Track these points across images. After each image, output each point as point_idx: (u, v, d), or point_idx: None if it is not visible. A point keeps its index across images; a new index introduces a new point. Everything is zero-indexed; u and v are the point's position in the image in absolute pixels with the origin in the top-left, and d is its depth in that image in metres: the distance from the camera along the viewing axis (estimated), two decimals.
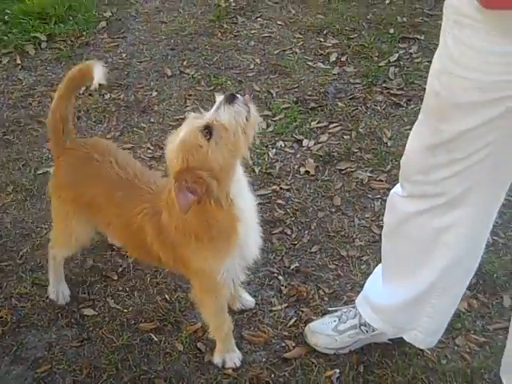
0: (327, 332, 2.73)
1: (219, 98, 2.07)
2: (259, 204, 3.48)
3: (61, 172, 2.66)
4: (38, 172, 3.72)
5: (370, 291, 2.66)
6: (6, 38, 4.88)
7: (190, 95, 4.40)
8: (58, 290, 2.94)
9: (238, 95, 2.05)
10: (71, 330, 2.83)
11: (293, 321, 2.88)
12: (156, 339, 2.78)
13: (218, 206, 2.11)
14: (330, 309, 2.89)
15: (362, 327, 2.68)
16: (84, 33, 5.06)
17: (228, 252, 2.28)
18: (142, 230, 2.41)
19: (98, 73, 2.51)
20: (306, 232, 3.36)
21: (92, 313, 2.90)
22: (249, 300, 2.94)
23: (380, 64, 4.69)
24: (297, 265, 3.16)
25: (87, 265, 3.14)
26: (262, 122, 2.15)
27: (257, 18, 5.30)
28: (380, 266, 2.68)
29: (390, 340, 2.73)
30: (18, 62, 4.71)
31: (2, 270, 3.14)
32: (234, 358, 2.67)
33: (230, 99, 2.03)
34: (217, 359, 2.67)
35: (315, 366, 2.66)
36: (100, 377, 2.63)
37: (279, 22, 5.23)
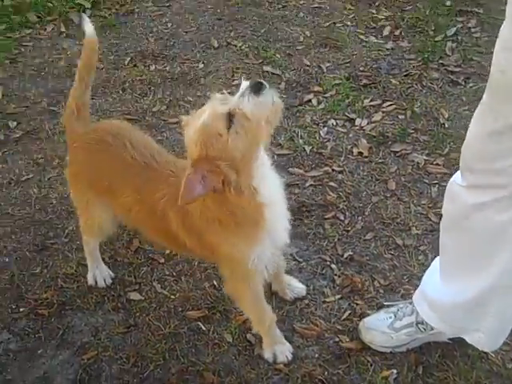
0: (383, 329, 2.59)
1: (245, 83, 1.94)
2: (311, 186, 3.39)
3: (76, 159, 2.56)
4: None
5: (427, 287, 2.51)
6: (50, 4, 4.77)
7: (238, 68, 4.25)
8: (96, 275, 2.87)
9: (264, 83, 1.91)
10: (117, 315, 2.74)
11: (347, 314, 2.75)
12: (204, 328, 2.68)
13: (240, 194, 2.00)
14: (385, 303, 2.75)
15: (420, 325, 2.54)
16: (129, 0, 4.91)
17: (256, 238, 2.17)
18: (165, 216, 2.28)
19: (88, 26, 2.46)
20: (360, 218, 3.21)
21: (138, 297, 2.82)
22: (299, 287, 2.82)
23: (436, 39, 4.48)
24: (350, 253, 3.02)
25: (133, 246, 3.05)
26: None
27: None
28: (438, 259, 2.52)
29: (450, 339, 2.58)
30: (63, 29, 4.61)
31: (48, 248, 3.07)
32: (284, 351, 2.56)
33: (256, 88, 1.89)
34: (267, 354, 2.54)
35: (370, 365, 2.53)
36: (147, 366, 2.54)
37: None
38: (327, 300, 2.80)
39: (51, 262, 2.99)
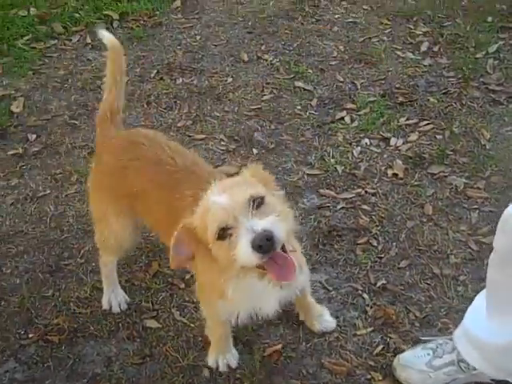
0: (420, 367, 2.38)
1: (262, 222, 1.73)
2: (342, 208, 3.19)
3: (102, 162, 2.45)
4: None
5: (470, 325, 2.29)
6: (77, 15, 4.64)
7: (268, 83, 4.07)
8: (112, 299, 2.71)
9: (273, 243, 1.72)
10: (133, 344, 2.57)
11: (379, 348, 2.54)
12: None
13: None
14: (422, 338, 2.54)
15: (462, 364, 2.33)
16: (157, 12, 4.78)
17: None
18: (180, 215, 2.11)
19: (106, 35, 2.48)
20: (394, 244, 3.00)
21: (156, 325, 2.64)
22: (329, 321, 2.62)
23: (477, 56, 4.24)
24: (384, 282, 2.81)
25: (152, 270, 2.87)
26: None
27: (341, 1, 4.90)
28: (481, 295, 2.32)
29: (493, 380, 2.35)
30: (89, 41, 4.47)
31: (62, 270, 2.91)
32: (229, 359, 2.46)
33: (260, 243, 1.70)
34: (210, 360, 2.46)
35: None
36: None
37: (365, 7, 4.82)
38: (358, 333, 2.60)
39: (64, 285, 2.83)
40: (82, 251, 2.99)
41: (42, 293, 2.79)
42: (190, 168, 2.25)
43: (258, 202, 1.75)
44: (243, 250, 1.71)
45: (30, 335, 2.60)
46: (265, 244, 1.69)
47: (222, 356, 2.44)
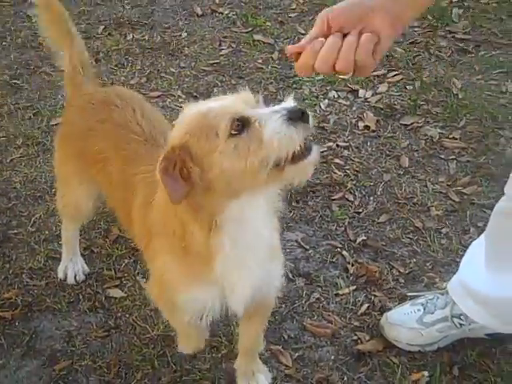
0: (410, 324, 2.21)
1: (289, 103, 1.41)
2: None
3: (71, 119, 2.23)
4: (52, 123, 3.21)
5: (468, 278, 2.12)
6: None
7: (226, 37, 3.84)
8: (68, 268, 2.47)
9: (308, 117, 1.39)
10: (95, 316, 2.33)
11: (364, 308, 2.37)
12: None
13: (194, 219, 1.51)
14: (409, 294, 2.37)
15: (455, 319, 2.17)
16: None
17: (196, 280, 1.66)
18: (133, 193, 1.86)
19: None
20: (371, 198, 2.83)
21: (120, 294, 2.40)
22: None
23: (442, 4, 4.08)
24: (363, 238, 2.64)
25: (112, 235, 2.62)
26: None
27: None
28: (475, 245, 2.18)
29: (488, 335, 2.20)
30: None
31: (11, 240, 2.64)
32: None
33: (296, 115, 1.36)
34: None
35: (397, 367, 2.16)
36: (132, 376, 2.13)
37: None
38: (340, 292, 2.43)
39: (15, 256, 2.57)
40: (33, 219, 2.72)
41: None
42: (157, 140, 1.95)
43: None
44: (278, 130, 1.34)
45: None
46: (304, 112, 1.36)
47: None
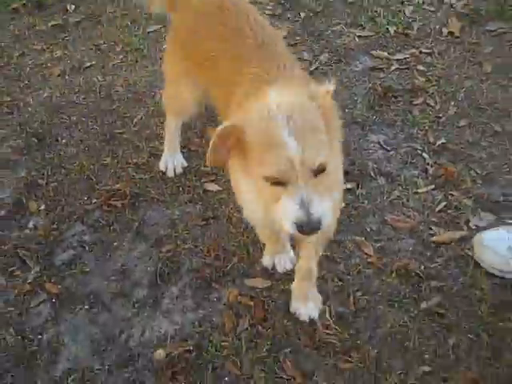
0: (500, 250, 2.23)
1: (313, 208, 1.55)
2: (397, 70, 3.09)
3: (184, 23, 2.30)
4: (149, 30, 3.38)
5: None
6: None
7: None
8: (168, 161, 2.70)
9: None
10: (195, 207, 2.57)
11: (441, 205, 2.51)
12: None
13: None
14: (509, 221, 2.42)
15: None
16: None
17: None
18: (236, 89, 1.95)
19: None
20: (452, 103, 2.92)
21: (216, 188, 2.63)
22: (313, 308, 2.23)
23: None
24: (443, 141, 2.75)
25: (208, 135, 2.82)
26: None
27: None
28: None
29: None
30: None
31: (116, 138, 2.89)
32: (285, 260, 2.33)
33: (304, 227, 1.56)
34: (266, 260, 2.35)
35: (471, 259, 2.30)
36: (229, 260, 2.37)
37: None
38: (419, 191, 2.57)
39: (121, 152, 2.82)
40: (135, 120, 2.95)
41: (100, 160, 2.78)
42: (268, 47, 2.02)
43: (320, 171, 1.56)
44: (285, 219, 1.58)
45: (94, 200, 2.61)
46: (309, 232, 1.57)
47: (278, 256, 2.34)
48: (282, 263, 2.33)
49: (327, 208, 1.59)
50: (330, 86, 1.64)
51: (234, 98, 1.92)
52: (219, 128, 1.62)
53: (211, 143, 1.63)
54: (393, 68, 3.10)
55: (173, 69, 2.42)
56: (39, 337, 2.17)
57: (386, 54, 3.18)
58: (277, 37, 2.16)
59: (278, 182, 1.57)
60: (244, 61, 1.99)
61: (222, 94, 2.10)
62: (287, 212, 1.57)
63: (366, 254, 2.36)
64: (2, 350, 2.15)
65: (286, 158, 1.52)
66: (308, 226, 1.55)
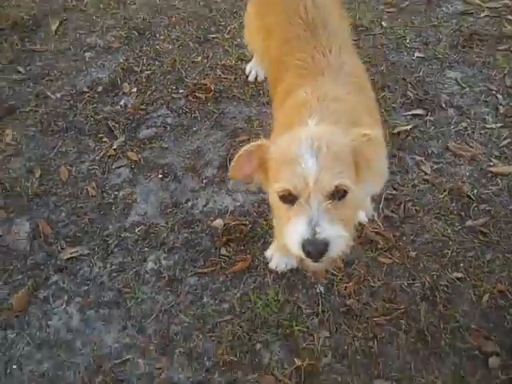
0: None
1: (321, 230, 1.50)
2: (487, 16, 3.15)
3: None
4: None
5: None
6: None
7: None
8: (253, 67, 2.88)
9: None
10: (271, 108, 2.75)
11: (506, 141, 2.60)
12: None
13: None
14: None
15: None
16: None
17: None
18: (283, 73, 2.00)
19: None
20: None
21: None
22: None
23: None
24: None
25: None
26: None
27: None
28: None
29: None
30: None
31: (209, 42, 3.11)
32: (281, 261, 2.25)
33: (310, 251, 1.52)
34: (268, 252, 2.28)
35: None
36: None
37: None
38: (487, 126, 2.67)
39: (211, 54, 3.04)
40: (229, 28, 3.16)
41: (191, 58, 3.01)
42: (316, 29, 2.00)
43: (339, 196, 1.54)
44: (292, 241, 1.54)
45: (181, 91, 2.85)
46: (315, 255, 1.53)
47: (278, 255, 2.26)
48: (282, 264, 2.25)
49: (338, 234, 1.53)
50: (368, 131, 1.59)
51: (281, 86, 1.97)
52: (247, 145, 1.63)
53: (236, 157, 1.62)
54: (483, 15, 3.17)
55: (249, 21, 2.47)
56: (116, 193, 2.45)
57: (478, 1, 3.24)
58: (332, 17, 2.10)
59: (291, 201, 1.55)
60: (290, 41, 2.01)
61: (272, 71, 2.16)
62: (294, 230, 1.53)
63: (423, 171, 2.49)
64: (84, 198, 2.44)
65: (300, 173, 1.51)
66: (312, 245, 1.50)
